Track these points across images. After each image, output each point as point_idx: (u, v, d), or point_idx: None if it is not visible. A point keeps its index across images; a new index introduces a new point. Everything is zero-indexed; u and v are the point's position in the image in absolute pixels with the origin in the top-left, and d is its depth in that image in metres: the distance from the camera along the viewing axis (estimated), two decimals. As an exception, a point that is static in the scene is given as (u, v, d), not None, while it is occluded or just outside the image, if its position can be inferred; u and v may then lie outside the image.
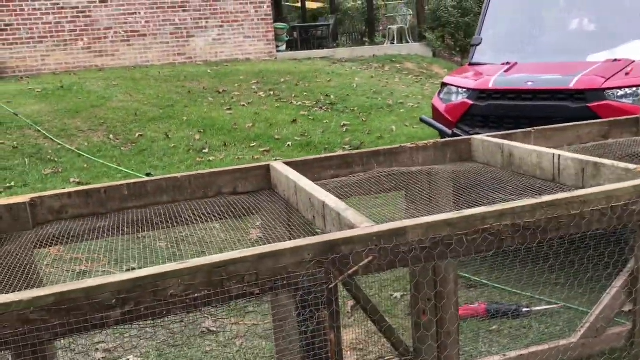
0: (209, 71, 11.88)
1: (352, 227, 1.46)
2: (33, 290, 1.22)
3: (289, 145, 7.93)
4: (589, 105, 3.79)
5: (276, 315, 2.23)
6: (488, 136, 2.49)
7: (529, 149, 2.15)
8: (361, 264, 1.35)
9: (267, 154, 7.64)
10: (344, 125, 8.80)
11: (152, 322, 1.25)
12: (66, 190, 2.09)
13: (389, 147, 2.42)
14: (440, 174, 2.37)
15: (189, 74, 11.59)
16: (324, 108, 9.81)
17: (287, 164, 2.27)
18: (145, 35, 12.73)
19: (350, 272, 1.34)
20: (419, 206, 2.21)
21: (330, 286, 1.34)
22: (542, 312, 3.40)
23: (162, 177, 2.18)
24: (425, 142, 2.46)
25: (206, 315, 3.58)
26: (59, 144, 7.84)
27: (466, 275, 3.93)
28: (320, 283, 1.34)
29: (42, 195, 2.07)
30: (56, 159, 7.38)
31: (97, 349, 3.26)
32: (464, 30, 15.95)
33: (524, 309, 3.40)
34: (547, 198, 1.48)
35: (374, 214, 1.95)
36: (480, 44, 4.89)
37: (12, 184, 6.62)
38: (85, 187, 2.10)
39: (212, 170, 2.23)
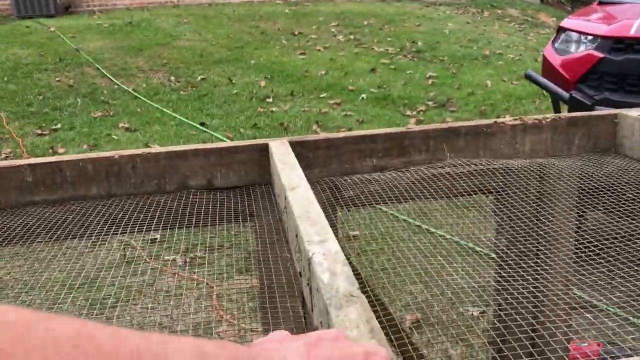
0: (286, 11, 10.93)
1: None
2: None
3: (363, 98, 6.94)
4: None
5: None
6: (650, 113, 1.45)
7: None
8: None
9: (337, 107, 6.70)
10: (430, 77, 7.65)
11: None
12: None
13: (474, 123, 1.44)
14: (560, 175, 1.39)
15: (265, 13, 10.70)
16: (408, 56, 8.66)
17: (295, 145, 1.36)
18: (223, -30, 11.91)
19: None
20: (516, 242, 1.26)
21: None
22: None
23: (87, 156, 1.33)
24: (538, 117, 1.45)
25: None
26: (116, 84, 7.26)
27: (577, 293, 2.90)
28: None
29: None
30: (110, 101, 6.81)
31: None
32: (580, -27, 13.94)
33: (657, 357, 2.37)
34: None
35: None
36: (615, -25, 3.64)
37: (59, 126, 6.10)
38: (-39, 167, 1.29)
39: (171, 148, 1.36)
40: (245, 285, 1.66)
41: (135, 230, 1.26)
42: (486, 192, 1.40)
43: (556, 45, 3.54)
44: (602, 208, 1.21)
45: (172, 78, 7.59)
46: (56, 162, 1.33)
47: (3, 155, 5.43)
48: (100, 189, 1.35)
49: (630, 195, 1.21)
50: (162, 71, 7.82)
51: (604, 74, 3.09)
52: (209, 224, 1.30)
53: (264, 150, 1.37)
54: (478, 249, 2.58)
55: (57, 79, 7.38)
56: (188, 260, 2.88)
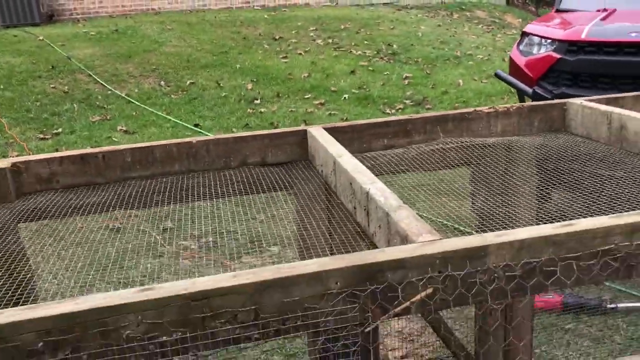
0: (265, 16, 11.35)
1: (405, 237, 1.00)
2: None
3: (345, 98, 7.42)
4: None
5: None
6: (589, 100, 1.94)
7: (652, 122, 1.60)
8: (415, 299, 0.90)
9: (322, 107, 7.16)
10: (406, 77, 8.17)
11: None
12: (56, 154, 1.70)
13: (460, 111, 1.91)
14: (523, 147, 1.86)
15: (245, 18, 11.11)
16: (385, 58, 9.16)
17: (329, 130, 1.81)
18: (202, -23, 12.28)
19: (398, 309, 0.89)
20: (492, 194, 1.72)
21: (368, 329, 0.90)
22: (630, 309, 2.86)
23: (173, 142, 1.77)
24: (507, 106, 1.93)
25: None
26: (109, 90, 7.61)
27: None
28: (353, 325, 0.90)
29: (28, 159, 1.70)
30: (105, 106, 7.15)
31: None
32: (542, -24, 14.68)
33: (609, 305, 2.88)
34: None
35: (436, 205, 1.48)
36: (571, -14, 4.17)
37: (60, 130, 6.44)
38: (80, 152, 1.71)
39: (236, 134, 1.80)
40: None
41: (211, 196, 1.70)
42: (468, 163, 1.87)
43: (521, 47, 4.05)
44: (553, 167, 1.68)
45: (163, 83, 7.96)
46: (149, 146, 1.76)
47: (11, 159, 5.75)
48: (182, 166, 1.78)
49: (571, 156, 1.69)
50: (152, 76, 8.18)
51: (561, 72, 3.60)
52: (267, 192, 1.75)
53: (304, 134, 1.83)
54: (456, 226, 3.04)
55: (51, 85, 7.68)
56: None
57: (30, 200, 1.66)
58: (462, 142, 1.86)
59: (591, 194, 1.40)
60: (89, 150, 1.73)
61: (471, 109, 1.93)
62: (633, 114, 1.70)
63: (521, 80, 3.82)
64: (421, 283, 0.90)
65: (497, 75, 4.13)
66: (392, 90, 7.69)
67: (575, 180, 1.60)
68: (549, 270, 0.94)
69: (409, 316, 2.83)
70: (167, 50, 9.11)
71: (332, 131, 1.80)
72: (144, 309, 0.83)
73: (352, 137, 1.84)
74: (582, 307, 2.87)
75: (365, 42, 9.94)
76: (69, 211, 1.62)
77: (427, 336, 2.83)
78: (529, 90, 3.68)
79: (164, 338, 0.84)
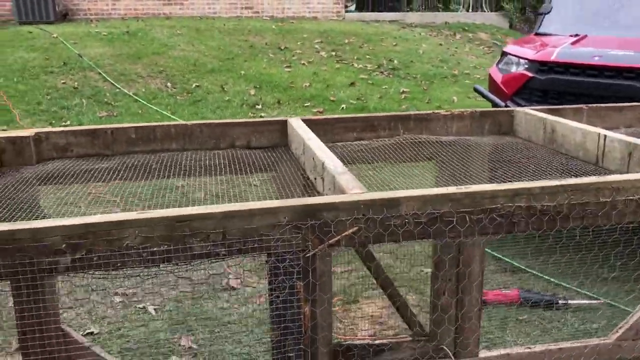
0: (273, 27, 11.72)
1: (342, 191, 1.31)
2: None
3: (343, 107, 7.74)
4: (662, 87, 3.42)
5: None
6: (532, 109, 2.25)
7: (573, 127, 1.90)
8: (344, 234, 1.20)
9: (320, 115, 7.48)
10: (403, 92, 8.50)
11: (104, 272, 1.15)
12: (72, 128, 2.01)
13: (420, 112, 2.22)
14: (475, 146, 2.16)
15: (253, 28, 11.47)
16: (385, 73, 9.50)
17: (306, 121, 2.12)
18: (214, -14, 12.68)
19: (330, 241, 1.19)
20: (447, 182, 2.02)
21: (307, 255, 1.20)
22: (580, 306, 3.15)
23: (172, 123, 2.08)
24: (462, 110, 2.24)
25: (229, 272, 3.53)
26: (117, 88, 7.94)
27: (502, 257, 3.70)
28: (296, 250, 1.20)
29: (48, 130, 2.01)
30: (112, 103, 7.49)
31: (117, 292, 3.26)
32: (546, 2, 15.06)
33: (561, 301, 3.16)
34: (572, 181, 1.27)
35: (389, 183, 1.78)
36: (549, 12, 4.49)
37: (68, 123, 6.76)
38: (92, 127, 2.03)
39: (225, 120, 2.11)
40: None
41: (201, 173, 2.00)
42: (427, 159, 2.18)
43: (499, 65, 4.37)
44: (500, 161, 1.99)
45: (169, 84, 8.30)
46: (151, 126, 2.07)
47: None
48: (178, 145, 2.09)
49: (513, 153, 2.00)
50: (159, 78, 8.52)
51: (532, 90, 3.92)
52: (248, 171, 2.05)
53: (284, 123, 2.13)
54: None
55: (62, 81, 8.02)
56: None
57: (48, 165, 1.96)
58: (421, 139, 2.17)
59: (512, 176, 1.70)
60: (99, 126, 2.04)
61: (430, 111, 2.24)
62: (562, 120, 2.01)
63: (497, 96, 4.14)
64: (349, 222, 1.20)
65: (475, 90, 4.46)
66: (388, 103, 8.01)
67: (512, 171, 1.91)
68: (448, 220, 1.25)
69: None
70: (175, 54, 9.45)
71: (308, 122, 2.11)
72: (140, 225, 1.14)
73: (326, 129, 2.15)
74: (537, 302, 3.15)
75: (368, 56, 10.28)
76: (81, 175, 1.92)
77: (394, 319, 3.11)
78: (502, 104, 3.99)
79: (154, 249, 1.15)
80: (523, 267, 3.61)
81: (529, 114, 2.18)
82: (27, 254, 1.10)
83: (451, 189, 1.25)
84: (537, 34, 4.61)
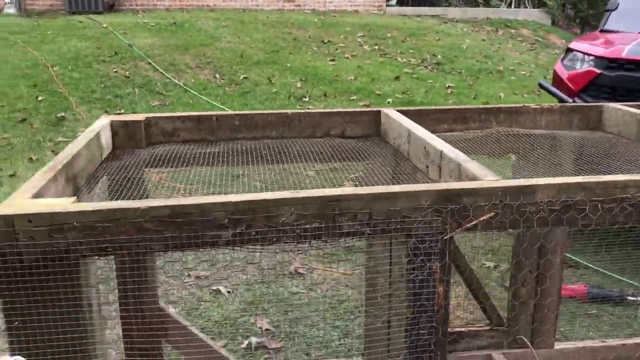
0: (315, 20, 11.78)
1: (474, 179, 1.36)
2: (150, 200, 1.23)
3: (389, 101, 7.77)
4: None
5: (369, 266, 2.19)
6: (623, 105, 2.27)
7: (673, 122, 1.93)
8: (482, 219, 1.26)
9: (367, 108, 7.53)
10: (449, 87, 8.49)
11: (260, 247, 1.23)
12: (179, 114, 2.11)
13: (511, 105, 2.26)
14: (565, 140, 2.20)
15: (295, 21, 11.55)
16: (429, 67, 9.50)
17: (400, 111, 2.17)
18: (257, -22, 12.79)
19: (468, 225, 1.25)
20: (538, 173, 2.06)
21: (446, 237, 1.26)
22: (649, 303, 3.15)
23: (272, 112, 2.16)
24: (551, 104, 2.27)
25: (294, 258, 3.61)
26: (168, 78, 8.10)
27: (568, 254, 3.71)
28: (435, 232, 1.26)
29: (157, 116, 2.11)
30: (164, 92, 7.65)
31: (189, 274, 3.38)
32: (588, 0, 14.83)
33: (630, 297, 3.17)
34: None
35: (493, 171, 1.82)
36: (616, 9, 4.47)
37: (122, 111, 6.94)
38: (198, 113, 2.12)
39: (322, 110, 2.18)
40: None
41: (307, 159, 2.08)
42: (513, 151, 2.22)
43: (564, 62, 4.37)
44: (600, 156, 2.01)
45: (217, 75, 8.43)
46: (253, 114, 2.15)
47: (79, 134, 6.27)
48: (277, 132, 2.17)
49: (610, 147, 2.03)
50: (207, 69, 8.66)
51: (600, 86, 3.91)
52: (342, 159, 2.12)
53: (377, 114, 2.20)
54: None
55: (114, 70, 8.21)
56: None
57: (157, 148, 2.06)
58: (512, 131, 2.21)
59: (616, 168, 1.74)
60: (205, 112, 2.13)
61: (521, 105, 2.28)
62: (659, 116, 2.03)
63: (563, 92, 4.14)
64: (487, 207, 1.26)
65: (540, 85, 4.46)
66: (435, 97, 8.02)
67: (605, 165, 1.94)
68: (581, 208, 1.30)
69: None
70: (221, 46, 9.59)
71: (403, 112, 2.17)
72: (295, 203, 1.21)
73: (419, 120, 2.21)
74: (606, 298, 3.17)
75: (411, 50, 10.28)
76: (187, 159, 2.01)
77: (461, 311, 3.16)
78: (570, 100, 3.99)
79: (307, 225, 1.22)
80: (587, 264, 3.62)
81: (620, 109, 2.21)
82: (193, 227, 1.19)
83: (585, 178, 1.30)
84: (602, 31, 4.59)
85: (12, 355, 1.16)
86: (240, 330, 2.85)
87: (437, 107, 2.22)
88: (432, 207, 1.25)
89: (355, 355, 2.57)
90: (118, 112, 6.91)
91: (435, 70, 9.37)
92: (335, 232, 1.23)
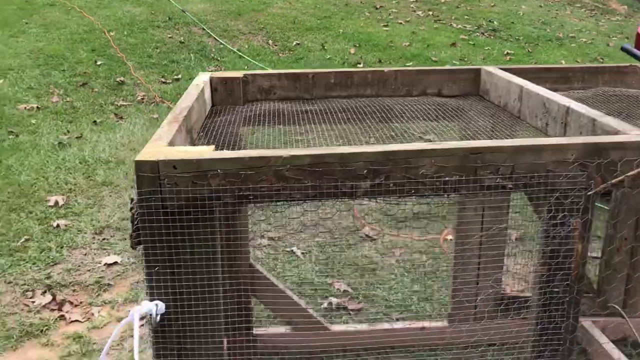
0: (367, -15, 11.55)
1: (615, 133, 1.30)
2: (291, 149, 1.21)
3: (446, 68, 7.61)
4: None
5: (461, 225, 2.14)
6: None
7: None
8: (630, 174, 1.20)
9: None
10: (507, 54, 8.25)
11: (397, 198, 1.20)
12: (276, 71, 2.08)
13: (616, 64, 2.16)
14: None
15: (347, -14, 11.35)
16: (485, 34, 9.23)
17: (500, 69, 2.10)
18: (307, -57, 12.56)
19: (614, 180, 1.20)
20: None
21: (590, 193, 1.21)
22: None
23: (369, 70, 2.11)
24: (660, 63, 2.16)
25: (364, 223, 3.60)
26: (222, 44, 8.09)
27: None
28: (580, 188, 1.21)
29: (254, 73, 2.09)
30: (219, 58, 7.64)
31: (263, 235, 3.40)
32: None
33: None
34: None
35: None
36: None
37: (180, 76, 6.98)
38: (295, 71, 2.09)
39: (419, 67, 2.12)
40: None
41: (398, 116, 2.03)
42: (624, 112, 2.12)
43: (648, 24, 4.16)
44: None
45: (270, 42, 8.38)
46: (349, 71, 2.11)
47: (139, 98, 6.35)
48: (372, 91, 2.12)
49: None
50: (260, 34, 8.61)
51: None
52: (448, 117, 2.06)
53: (477, 72, 2.13)
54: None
55: (169, 35, 8.24)
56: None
57: (255, 105, 2.04)
58: (619, 92, 2.12)
59: None
60: (302, 70, 2.10)
61: (627, 64, 2.17)
62: None
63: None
64: (636, 162, 1.20)
65: (623, 49, 4.25)
66: (493, 64, 7.80)
67: None
68: None
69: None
70: (273, 12, 9.51)
71: (503, 70, 2.10)
72: (436, 155, 1.18)
73: (521, 77, 2.13)
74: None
75: (466, 16, 10.00)
76: (287, 116, 1.99)
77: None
78: (656, 64, 3.79)
79: (447, 178, 1.18)
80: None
81: None
82: (332, 177, 1.17)
83: None
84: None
85: (152, 300, 1.17)
86: (319, 291, 2.86)
87: (539, 66, 2.14)
88: (578, 161, 1.20)
89: (437, 317, 2.56)
90: (175, 77, 6.95)
91: (492, 37, 9.11)
92: (476, 186, 1.19)
